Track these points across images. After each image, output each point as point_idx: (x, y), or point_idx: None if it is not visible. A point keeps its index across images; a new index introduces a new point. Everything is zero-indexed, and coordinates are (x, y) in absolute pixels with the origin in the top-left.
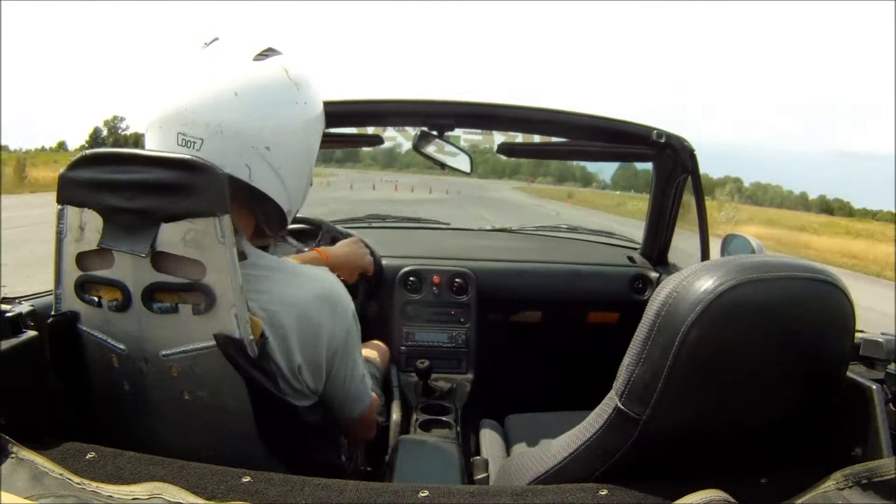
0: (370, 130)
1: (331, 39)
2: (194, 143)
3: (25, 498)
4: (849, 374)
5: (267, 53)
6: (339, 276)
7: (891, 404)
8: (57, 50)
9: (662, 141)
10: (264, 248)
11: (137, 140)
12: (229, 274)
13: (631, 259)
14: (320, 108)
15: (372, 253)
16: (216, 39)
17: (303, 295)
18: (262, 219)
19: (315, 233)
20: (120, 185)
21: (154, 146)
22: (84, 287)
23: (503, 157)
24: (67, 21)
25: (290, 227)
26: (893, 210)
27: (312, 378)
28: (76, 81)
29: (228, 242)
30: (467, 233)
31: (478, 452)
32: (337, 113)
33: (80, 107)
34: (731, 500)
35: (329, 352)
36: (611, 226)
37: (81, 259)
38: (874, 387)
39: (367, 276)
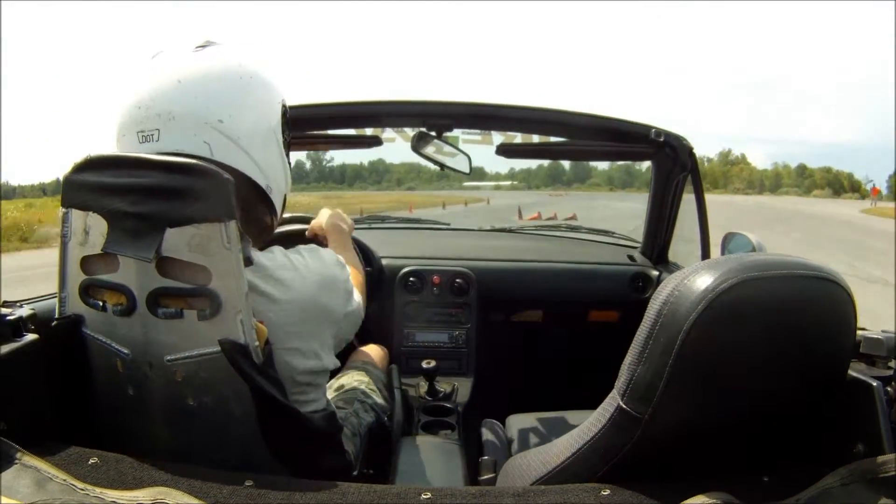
0: (369, 131)
1: (330, 40)
2: (152, 135)
3: None
4: (850, 371)
5: (205, 45)
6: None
7: (894, 402)
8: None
9: (661, 139)
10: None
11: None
12: (235, 279)
13: (631, 258)
14: (271, 87)
15: (371, 254)
16: (161, 52)
17: (307, 290)
18: (245, 203)
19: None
20: (125, 189)
21: (123, 152)
22: (89, 291)
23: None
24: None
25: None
26: None
27: (329, 354)
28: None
29: (234, 248)
30: (467, 233)
31: (480, 453)
32: (335, 114)
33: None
34: (735, 500)
35: (335, 324)
36: None
37: (86, 263)
38: (875, 384)
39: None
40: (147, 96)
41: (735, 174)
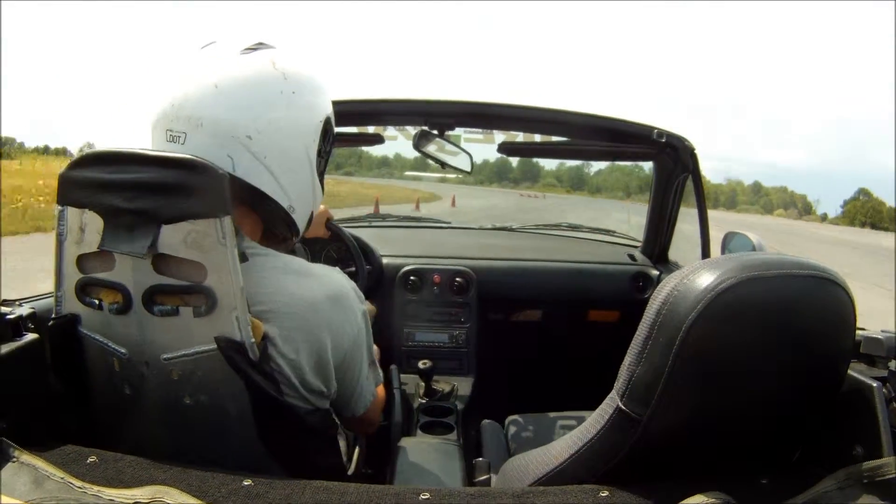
0: (371, 129)
1: (331, 39)
2: (179, 137)
3: (27, 502)
4: (849, 372)
5: (256, 47)
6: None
7: (893, 402)
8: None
9: (663, 140)
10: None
11: None
12: (230, 276)
13: (632, 257)
14: (317, 101)
15: (372, 252)
16: (213, 42)
17: (311, 296)
18: (265, 217)
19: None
20: (120, 186)
21: (152, 146)
22: (85, 289)
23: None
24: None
25: None
26: None
27: (322, 381)
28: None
29: (229, 244)
30: (468, 231)
31: (479, 454)
32: (337, 112)
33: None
34: (732, 501)
35: (338, 353)
36: None
37: (82, 261)
38: (875, 385)
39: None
40: (182, 95)
41: (689, 186)
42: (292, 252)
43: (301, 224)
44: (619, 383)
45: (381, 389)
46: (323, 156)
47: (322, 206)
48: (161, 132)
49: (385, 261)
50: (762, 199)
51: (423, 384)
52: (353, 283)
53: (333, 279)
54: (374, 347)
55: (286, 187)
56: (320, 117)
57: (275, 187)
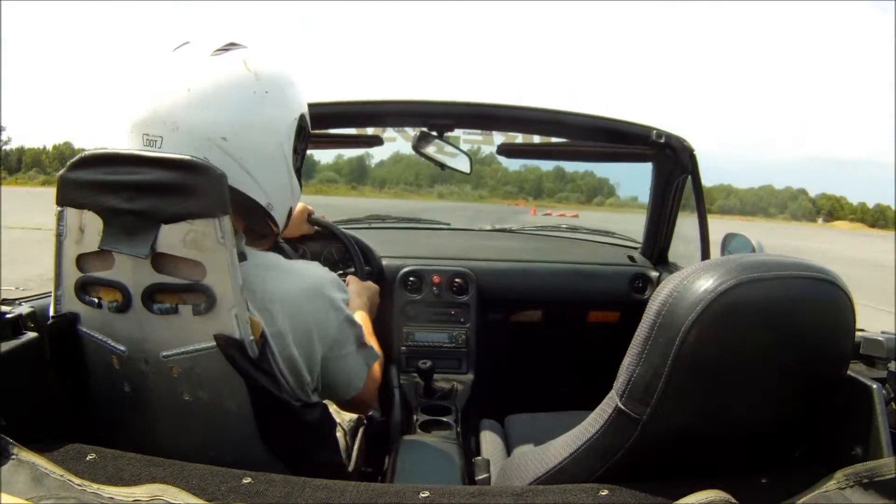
0: (370, 131)
1: (332, 39)
2: (155, 141)
3: (26, 499)
4: (849, 373)
5: (227, 48)
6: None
7: (892, 403)
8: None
9: (662, 141)
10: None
11: (21, 156)
12: (229, 274)
13: (631, 258)
14: (290, 99)
15: (371, 253)
16: (186, 43)
17: (293, 290)
18: (246, 216)
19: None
20: (119, 186)
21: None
22: (84, 288)
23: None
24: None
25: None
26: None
27: (309, 372)
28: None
29: (228, 243)
30: (467, 233)
31: (478, 453)
32: (337, 113)
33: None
34: (732, 499)
35: (324, 344)
36: None
37: (81, 260)
38: (874, 386)
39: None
40: (156, 100)
41: (489, 175)
42: (277, 249)
43: (280, 220)
44: (619, 383)
45: (375, 370)
46: (299, 152)
47: (301, 203)
48: (137, 136)
49: (385, 262)
50: (568, 184)
51: (422, 383)
52: (333, 275)
53: (312, 272)
54: (376, 347)
55: (263, 185)
56: (294, 115)
57: (252, 186)
